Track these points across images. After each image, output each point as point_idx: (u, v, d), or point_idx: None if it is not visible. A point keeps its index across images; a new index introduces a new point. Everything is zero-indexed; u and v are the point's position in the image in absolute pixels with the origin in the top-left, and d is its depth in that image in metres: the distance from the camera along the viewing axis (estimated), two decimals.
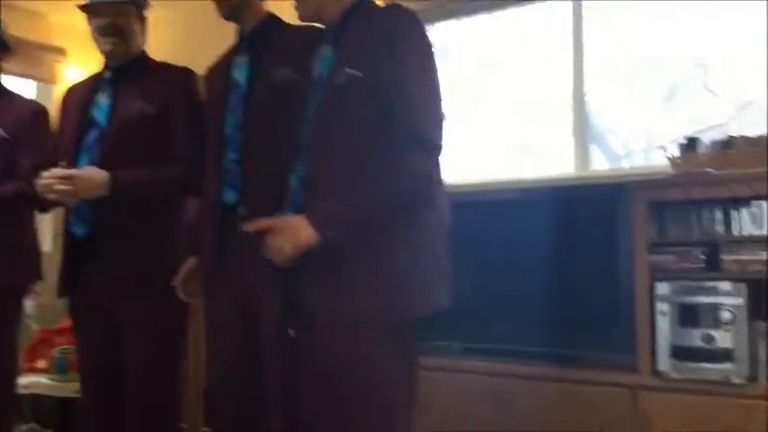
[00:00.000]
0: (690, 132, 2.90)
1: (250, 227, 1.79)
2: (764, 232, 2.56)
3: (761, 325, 2.53)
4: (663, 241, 2.75)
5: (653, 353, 2.67)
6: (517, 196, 3.12)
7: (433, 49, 1.77)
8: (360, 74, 1.69)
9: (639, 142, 3.52)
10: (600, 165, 3.51)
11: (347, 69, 1.71)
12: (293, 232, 1.68)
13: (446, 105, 1.77)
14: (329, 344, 1.71)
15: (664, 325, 2.65)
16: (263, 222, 1.75)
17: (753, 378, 2.51)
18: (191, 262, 2.28)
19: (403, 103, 1.67)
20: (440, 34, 3.84)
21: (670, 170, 2.83)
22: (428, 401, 2.86)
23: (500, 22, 3.73)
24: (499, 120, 3.75)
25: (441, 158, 1.77)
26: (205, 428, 3.43)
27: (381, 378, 1.69)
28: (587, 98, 3.45)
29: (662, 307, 2.66)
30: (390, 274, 1.67)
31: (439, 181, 1.80)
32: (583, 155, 3.43)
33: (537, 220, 2.99)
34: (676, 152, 2.85)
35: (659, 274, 2.70)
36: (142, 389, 2.32)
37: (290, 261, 1.70)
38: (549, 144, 3.62)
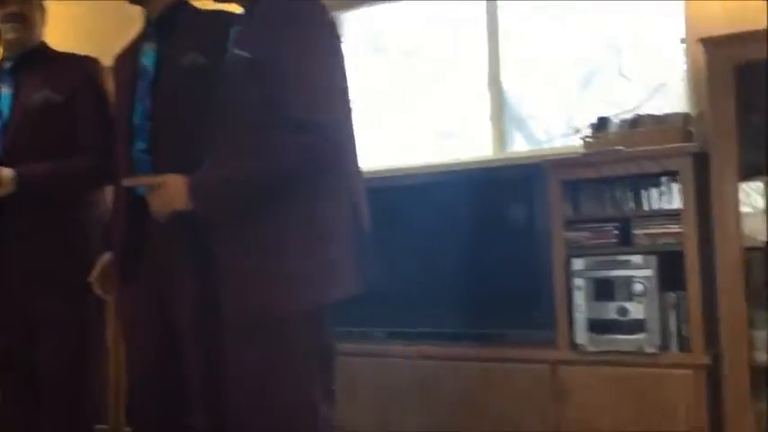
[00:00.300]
0: (602, 113, 3.00)
1: (128, 182, 1.82)
2: (672, 206, 2.66)
3: (670, 296, 2.63)
4: (578, 218, 2.82)
5: (571, 327, 2.74)
6: (435, 180, 3.15)
7: (334, 33, 1.76)
8: (248, 55, 1.68)
9: (560, 127, 3.60)
10: (521, 149, 3.57)
11: (236, 51, 1.71)
12: (170, 193, 1.72)
13: (349, 89, 1.76)
14: (238, 340, 1.70)
15: (580, 300, 2.72)
16: (142, 178, 1.82)
17: (664, 347, 2.61)
18: (106, 257, 2.21)
19: (296, 86, 1.65)
20: (356, 21, 3.83)
21: (584, 150, 2.90)
22: (354, 387, 2.87)
23: (417, 8, 3.75)
24: (419, 106, 3.77)
25: (350, 143, 1.75)
26: (127, 429, 3.35)
27: (293, 368, 1.68)
28: (506, 84, 3.51)
29: (578, 282, 2.73)
30: (292, 264, 1.65)
31: (353, 167, 1.78)
32: (501, 138, 3.48)
33: (456, 203, 3.03)
34: (589, 133, 2.93)
35: (575, 250, 2.78)
36: (58, 389, 2.24)
37: (167, 219, 1.76)
38: (469, 129, 3.66)
